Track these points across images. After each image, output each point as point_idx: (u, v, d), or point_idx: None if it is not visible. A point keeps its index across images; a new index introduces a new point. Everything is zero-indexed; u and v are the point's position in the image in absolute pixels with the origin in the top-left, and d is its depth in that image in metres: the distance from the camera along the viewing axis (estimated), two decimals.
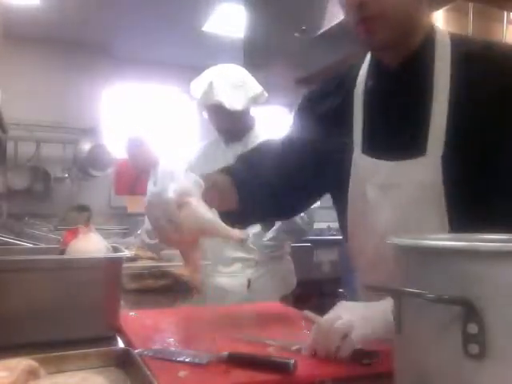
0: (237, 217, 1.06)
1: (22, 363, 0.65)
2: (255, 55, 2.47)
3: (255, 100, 1.99)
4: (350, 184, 1.03)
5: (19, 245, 1.36)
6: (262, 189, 1.10)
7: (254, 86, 2.01)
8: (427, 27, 0.95)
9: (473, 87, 0.88)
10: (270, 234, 1.98)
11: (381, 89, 1.00)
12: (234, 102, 1.91)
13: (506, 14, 2.27)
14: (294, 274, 2.17)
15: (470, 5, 2.16)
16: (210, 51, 4.03)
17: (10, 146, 4.22)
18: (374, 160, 0.98)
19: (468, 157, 0.88)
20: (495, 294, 0.50)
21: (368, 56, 1.05)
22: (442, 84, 0.90)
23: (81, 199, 4.52)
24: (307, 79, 2.41)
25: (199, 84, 1.97)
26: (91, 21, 4.09)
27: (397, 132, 0.96)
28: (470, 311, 0.50)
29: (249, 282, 1.95)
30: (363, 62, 1.06)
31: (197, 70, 2.05)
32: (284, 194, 1.12)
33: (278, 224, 1.94)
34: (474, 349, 0.50)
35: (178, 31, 4.14)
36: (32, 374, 0.65)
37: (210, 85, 1.92)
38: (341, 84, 1.09)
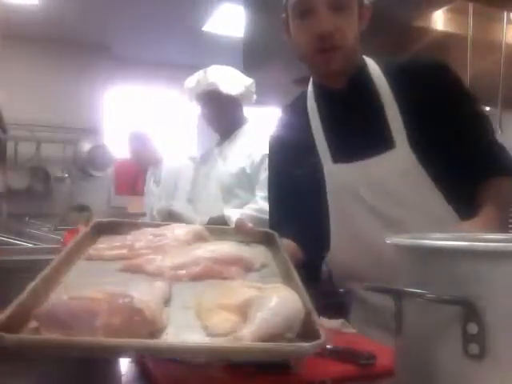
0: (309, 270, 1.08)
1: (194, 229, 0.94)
2: (255, 55, 2.47)
3: (248, 90, 2.00)
4: (329, 196, 1.13)
5: (19, 245, 1.35)
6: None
7: (245, 77, 2.03)
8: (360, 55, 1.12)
9: (407, 93, 1.05)
10: None
11: (334, 109, 1.14)
12: (229, 85, 1.95)
13: (506, 14, 2.27)
14: None
15: (470, 5, 2.16)
16: (210, 51, 4.04)
17: (10, 146, 4.22)
18: (349, 164, 1.09)
19: (430, 140, 1.02)
20: (495, 293, 0.50)
21: (310, 87, 1.20)
22: (387, 94, 1.07)
23: (81, 199, 4.52)
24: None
25: (193, 76, 2.03)
26: (91, 21, 4.10)
27: (361, 139, 1.08)
28: (470, 311, 0.50)
29: None
30: (305, 94, 1.21)
31: (197, 69, 2.05)
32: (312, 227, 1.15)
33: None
34: (474, 349, 0.50)
35: (178, 31, 4.14)
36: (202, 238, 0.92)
37: (205, 72, 1.99)
38: (295, 120, 1.24)
